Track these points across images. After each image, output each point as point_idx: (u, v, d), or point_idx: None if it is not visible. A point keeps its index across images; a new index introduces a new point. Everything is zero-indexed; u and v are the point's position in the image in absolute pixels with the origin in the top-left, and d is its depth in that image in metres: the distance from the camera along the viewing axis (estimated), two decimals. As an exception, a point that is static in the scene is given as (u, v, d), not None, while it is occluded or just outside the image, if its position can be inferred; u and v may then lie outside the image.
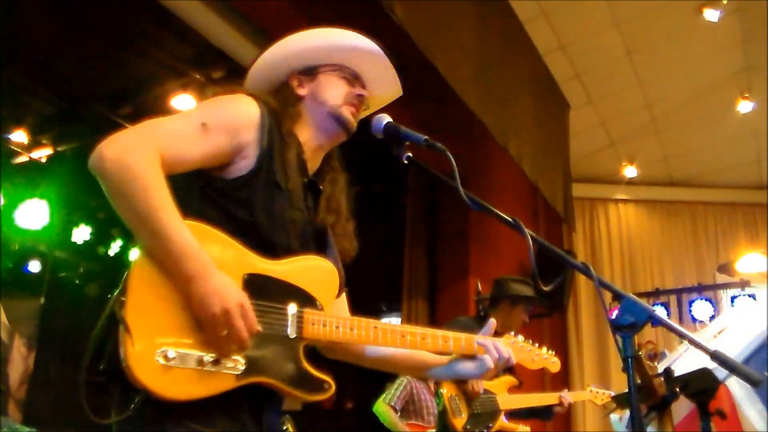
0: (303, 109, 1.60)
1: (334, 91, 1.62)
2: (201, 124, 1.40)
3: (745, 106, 6.59)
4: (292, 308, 1.39)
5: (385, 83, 1.77)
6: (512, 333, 1.93)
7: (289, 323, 1.38)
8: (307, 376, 1.38)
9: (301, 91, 1.63)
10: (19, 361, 7.41)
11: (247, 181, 1.42)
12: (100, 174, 1.27)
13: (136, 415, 1.23)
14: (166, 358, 1.23)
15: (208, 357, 1.26)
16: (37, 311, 7.56)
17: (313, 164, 1.61)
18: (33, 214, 6.53)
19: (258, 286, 1.36)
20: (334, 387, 1.41)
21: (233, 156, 1.43)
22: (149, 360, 1.22)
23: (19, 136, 6.38)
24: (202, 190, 1.42)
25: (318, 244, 1.54)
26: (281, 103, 1.57)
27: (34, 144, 6.59)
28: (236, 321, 1.26)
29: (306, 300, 1.42)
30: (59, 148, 6.66)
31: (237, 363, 1.29)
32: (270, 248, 1.41)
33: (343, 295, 1.67)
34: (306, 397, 1.38)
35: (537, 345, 2.00)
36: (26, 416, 6.93)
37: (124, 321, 1.22)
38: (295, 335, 1.38)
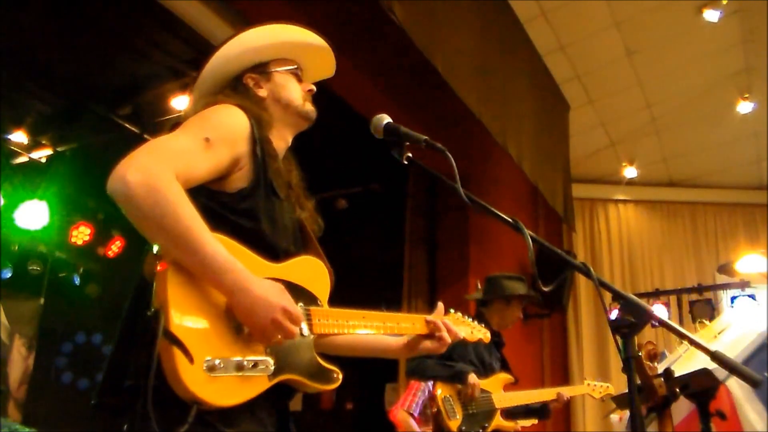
0: (268, 111, 1.66)
1: (293, 92, 1.71)
2: (204, 139, 1.42)
3: (745, 107, 6.59)
4: (301, 308, 1.46)
5: (321, 69, 1.87)
6: (453, 311, 2.05)
7: (312, 324, 1.49)
8: (321, 369, 1.48)
9: (261, 92, 1.69)
10: (19, 361, 7.40)
11: (249, 192, 1.47)
12: (127, 199, 1.27)
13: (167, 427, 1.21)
14: (212, 368, 1.25)
15: (249, 361, 1.31)
16: (37, 311, 7.56)
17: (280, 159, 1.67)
18: (33, 214, 6.53)
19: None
20: (341, 376, 1.50)
21: (231, 168, 1.47)
22: (198, 372, 1.23)
23: (19, 136, 6.38)
24: (204, 205, 1.40)
25: (303, 241, 1.62)
26: (255, 108, 1.60)
27: (34, 144, 6.58)
28: (287, 325, 1.32)
29: (310, 299, 1.51)
30: (59, 149, 6.65)
31: (268, 364, 1.35)
32: (275, 253, 1.47)
33: None
34: (322, 387, 1.47)
35: (469, 319, 2.14)
36: (26, 416, 6.93)
37: (173, 335, 1.22)
38: (308, 332, 1.47)
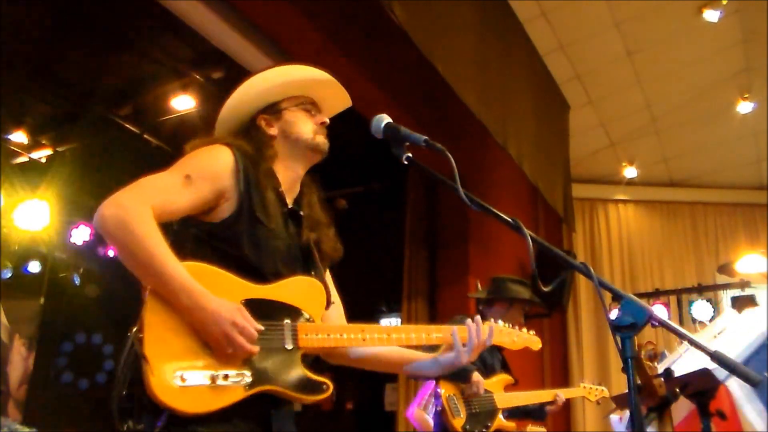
0: (277, 147, 1.79)
1: (302, 126, 1.81)
2: (185, 176, 1.59)
3: (745, 107, 6.59)
4: (287, 324, 1.59)
5: (335, 100, 1.94)
6: (492, 320, 1.98)
7: (286, 337, 1.57)
8: (307, 381, 1.57)
9: (272, 131, 1.81)
10: (19, 361, 7.41)
11: (232, 221, 1.62)
12: (104, 232, 1.48)
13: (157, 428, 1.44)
14: (182, 379, 1.43)
15: (219, 373, 1.46)
16: (37, 312, 7.57)
17: (293, 191, 1.82)
18: (33, 214, 6.53)
19: (255, 309, 1.54)
20: (332, 387, 1.59)
21: (217, 201, 1.63)
22: (168, 384, 1.42)
23: (19, 136, 6.39)
24: (194, 235, 1.62)
25: (305, 263, 1.74)
26: (257, 145, 1.76)
27: (34, 144, 6.59)
28: (236, 338, 1.46)
29: (298, 315, 1.62)
30: (59, 149, 6.66)
31: (244, 376, 1.49)
32: (260, 275, 1.60)
33: (338, 303, 1.87)
34: (308, 399, 1.56)
35: (516, 327, 2.09)
36: (26, 416, 6.93)
37: (144, 355, 1.42)
38: (292, 346, 1.58)
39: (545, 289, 1.64)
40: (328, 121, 1.85)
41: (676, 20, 5.61)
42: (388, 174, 6.57)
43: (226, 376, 1.47)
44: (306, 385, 1.56)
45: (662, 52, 5.99)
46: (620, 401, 3.46)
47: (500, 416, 3.61)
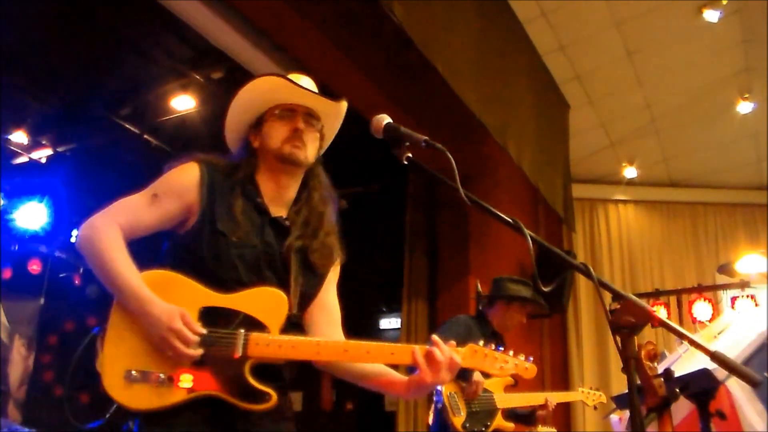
0: (260, 159, 1.86)
1: (274, 137, 1.83)
2: (152, 195, 1.75)
3: (745, 107, 6.58)
4: (240, 332, 1.64)
5: (325, 107, 1.91)
6: (480, 343, 1.80)
7: (238, 345, 1.63)
8: (249, 389, 1.62)
9: (255, 144, 1.88)
10: (19, 362, 7.41)
11: (195, 233, 1.73)
12: (79, 249, 1.69)
13: (113, 420, 1.57)
14: (129, 377, 1.57)
15: (162, 375, 1.58)
16: (37, 312, 7.56)
17: (282, 200, 1.85)
18: (33, 214, 6.53)
19: (212, 316, 1.64)
20: (275, 397, 1.63)
21: (185, 215, 1.75)
22: (118, 379, 1.57)
23: (19, 136, 6.39)
24: (169, 246, 1.79)
25: (283, 271, 1.77)
26: (240, 159, 1.87)
27: (34, 144, 6.59)
28: (172, 342, 1.56)
29: (253, 324, 1.66)
30: (59, 149, 6.66)
31: (186, 379, 1.59)
32: (222, 284, 1.68)
33: (331, 309, 1.89)
34: (248, 406, 1.62)
35: (511, 353, 1.86)
36: (26, 417, 6.92)
37: (102, 349, 1.60)
38: (241, 354, 1.62)
39: (545, 289, 1.64)
40: (299, 126, 1.83)
41: (676, 20, 5.60)
42: (388, 174, 6.56)
43: (170, 378, 1.58)
44: (247, 393, 1.62)
45: (662, 52, 5.99)
46: (620, 401, 3.46)
47: (500, 416, 3.62)
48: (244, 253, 1.72)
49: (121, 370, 1.57)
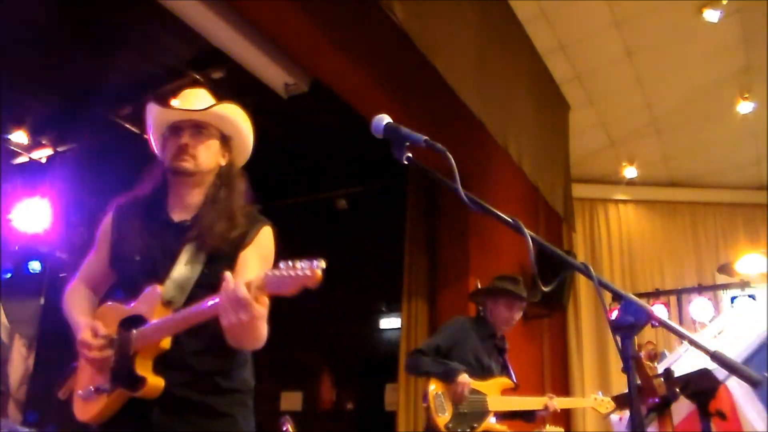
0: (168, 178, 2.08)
1: (167, 155, 2.05)
2: (95, 248, 2.13)
3: (745, 107, 6.58)
4: (132, 332, 1.86)
5: (200, 115, 2.07)
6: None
7: (132, 342, 1.85)
8: (128, 376, 1.81)
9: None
10: (19, 362, 7.41)
11: (112, 263, 2.07)
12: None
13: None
14: (79, 394, 1.92)
15: (91, 388, 1.87)
16: (37, 312, 7.56)
17: (188, 208, 2.03)
18: (33, 214, 6.53)
19: (125, 325, 1.89)
20: (147, 381, 1.79)
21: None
22: (77, 398, 1.93)
23: (19, 136, 6.39)
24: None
25: (169, 267, 1.93)
26: (162, 173, 2.11)
27: (34, 144, 6.59)
28: (82, 350, 1.87)
29: (139, 321, 1.87)
30: (59, 148, 6.66)
31: (107, 384, 1.84)
32: (130, 296, 1.95)
33: (252, 266, 1.90)
34: (129, 393, 1.80)
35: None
36: (26, 417, 6.92)
37: (75, 372, 1.98)
38: (132, 351, 1.84)
39: (545, 289, 1.64)
40: (183, 142, 2.00)
41: (676, 20, 5.60)
42: (388, 174, 6.56)
43: (97, 389, 1.85)
44: (126, 381, 1.81)
45: (662, 52, 5.99)
46: (620, 401, 3.46)
47: (490, 419, 3.58)
48: (142, 262, 1.97)
49: (79, 389, 1.92)
